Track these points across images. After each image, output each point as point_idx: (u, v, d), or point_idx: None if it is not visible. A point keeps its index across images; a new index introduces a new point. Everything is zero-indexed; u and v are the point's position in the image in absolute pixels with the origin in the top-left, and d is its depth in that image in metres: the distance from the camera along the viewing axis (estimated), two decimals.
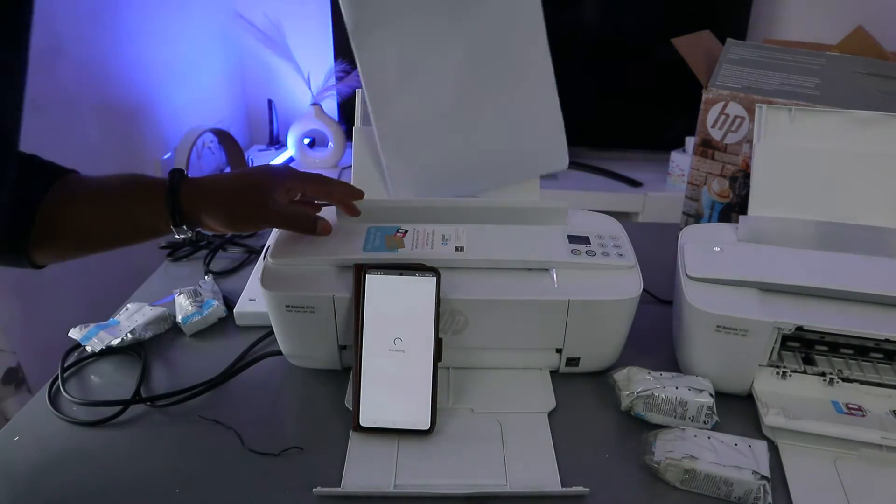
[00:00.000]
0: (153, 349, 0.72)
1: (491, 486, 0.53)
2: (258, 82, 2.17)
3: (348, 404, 0.61)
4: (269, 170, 0.63)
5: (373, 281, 0.60)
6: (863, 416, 0.58)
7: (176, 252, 0.92)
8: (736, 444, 0.54)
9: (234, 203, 0.59)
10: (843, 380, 0.61)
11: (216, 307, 0.76)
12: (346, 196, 0.67)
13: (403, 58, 0.67)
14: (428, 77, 0.68)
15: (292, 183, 0.63)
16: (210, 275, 0.86)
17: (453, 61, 0.68)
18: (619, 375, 0.62)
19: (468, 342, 0.63)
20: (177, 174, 0.59)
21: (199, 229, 0.61)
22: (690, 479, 0.53)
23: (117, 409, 0.61)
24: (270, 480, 0.54)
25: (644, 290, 0.62)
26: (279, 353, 0.67)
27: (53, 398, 0.64)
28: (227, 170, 1.87)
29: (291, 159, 2.08)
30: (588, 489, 0.52)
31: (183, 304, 0.76)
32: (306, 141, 2.11)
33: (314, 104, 2.02)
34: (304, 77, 2.02)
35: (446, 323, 0.62)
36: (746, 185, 0.75)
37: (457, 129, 0.70)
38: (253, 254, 0.92)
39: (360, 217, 0.67)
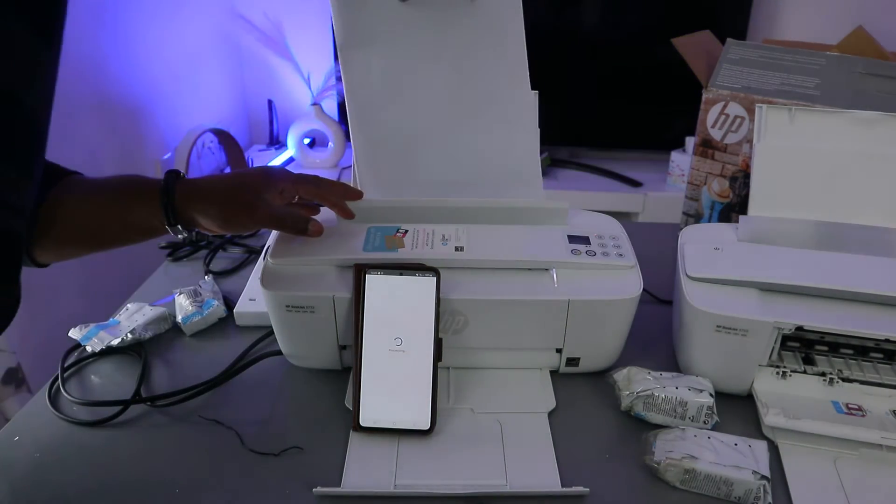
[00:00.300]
0: (153, 349, 0.72)
1: (491, 486, 0.53)
2: (258, 82, 2.17)
3: (348, 404, 0.61)
4: (262, 171, 0.63)
5: (373, 281, 0.60)
6: (863, 416, 0.58)
7: (176, 252, 0.92)
8: (736, 444, 0.54)
9: (225, 203, 0.60)
10: (843, 380, 0.61)
11: (216, 307, 0.76)
12: (339, 197, 0.67)
13: (387, 79, 0.69)
14: (409, 100, 0.70)
15: (285, 184, 0.63)
16: (210, 275, 0.86)
17: (435, 87, 0.69)
18: (619, 375, 0.62)
19: (468, 342, 0.63)
20: (172, 174, 0.59)
21: (197, 230, 0.61)
22: (690, 479, 0.53)
23: (117, 409, 0.61)
24: (270, 480, 0.54)
25: (644, 290, 0.62)
26: (279, 353, 0.67)
27: (53, 398, 0.64)
28: (227, 170, 1.87)
29: (291, 159, 2.08)
30: (588, 489, 0.52)
31: (183, 304, 0.76)
32: (306, 141, 2.11)
33: (314, 104, 2.02)
34: (304, 77, 2.02)
35: (446, 323, 0.62)
36: (746, 185, 0.75)
37: (431, 152, 0.71)
38: (253, 254, 0.92)
39: (361, 217, 0.67)
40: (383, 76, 0.69)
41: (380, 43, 0.68)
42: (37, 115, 0.40)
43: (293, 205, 0.66)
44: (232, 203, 0.60)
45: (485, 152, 0.71)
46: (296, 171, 0.66)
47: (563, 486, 0.53)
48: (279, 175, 0.63)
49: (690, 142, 1.73)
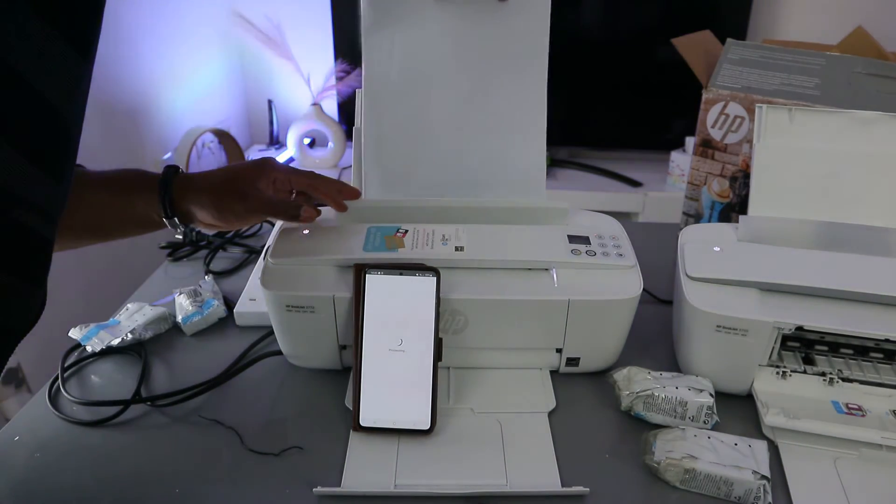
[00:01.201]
0: (153, 349, 0.72)
1: (491, 486, 0.53)
2: (258, 82, 2.17)
3: (348, 404, 0.61)
4: (256, 162, 0.65)
5: (373, 281, 0.60)
6: (863, 416, 0.58)
7: (176, 252, 0.92)
8: (736, 444, 0.54)
9: (218, 192, 0.61)
10: (843, 380, 0.61)
11: (216, 307, 0.76)
12: (334, 192, 0.67)
13: (408, 66, 0.69)
14: (425, 92, 0.70)
15: (278, 174, 0.64)
16: (210, 275, 0.86)
17: (453, 82, 0.69)
18: (619, 375, 0.62)
19: (468, 342, 0.63)
20: (171, 168, 0.61)
21: (194, 228, 0.62)
22: (690, 478, 0.53)
23: (117, 409, 0.61)
24: (270, 480, 0.54)
25: (644, 290, 0.62)
26: (279, 353, 0.67)
27: (53, 398, 0.64)
28: None
29: (291, 159, 2.08)
30: (588, 489, 0.52)
31: (183, 304, 0.76)
32: (306, 141, 2.11)
33: (314, 104, 2.02)
34: (304, 77, 2.02)
35: (446, 323, 0.62)
36: (746, 185, 0.75)
37: (441, 146, 0.71)
38: (253, 254, 0.92)
39: (361, 217, 0.67)
40: (403, 64, 0.69)
41: (405, 30, 0.68)
42: (73, 127, 0.42)
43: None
44: (225, 192, 0.61)
45: (493, 153, 0.71)
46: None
47: (563, 486, 0.53)
48: (273, 165, 0.64)
49: (690, 142, 1.73)
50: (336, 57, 2.02)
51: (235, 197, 0.61)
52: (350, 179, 0.72)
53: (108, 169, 0.62)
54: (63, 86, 0.39)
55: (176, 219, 0.61)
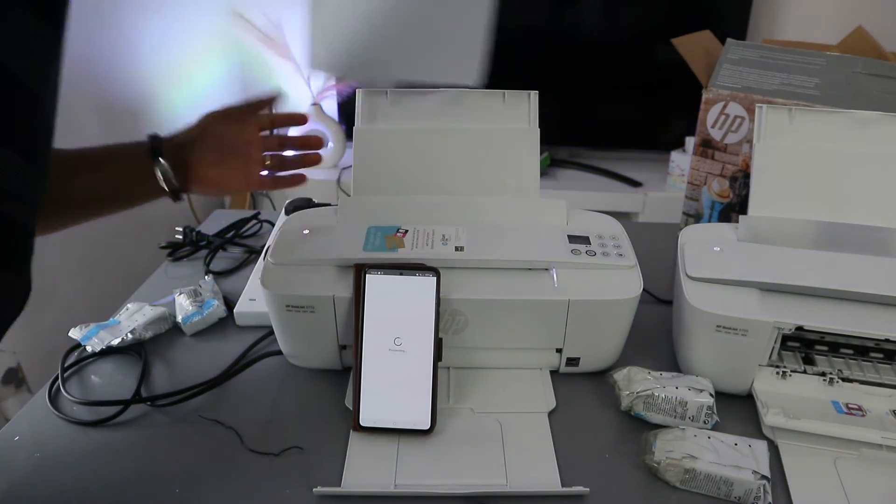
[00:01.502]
0: (153, 349, 0.72)
1: (491, 486, 0.53)
2: (258, 82, 2.16)
3: (348, 404, 0.61)
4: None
5: (373, 281, 0.60)
6: (863, 416, 0.58)
7: (176, 252, 0.92)
8: (736, 444, 0.54)
9: (207, 119, 0.67)
10: (843, 380, 0.61)
11: (216, 307, 0.76)
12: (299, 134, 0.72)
13: None
14: None
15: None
16: (210, 275, 0.86)
17: None
18: (619, 375, 0.62)
19: (468, 342, 0.63)
20: (156, 135, 0.64)
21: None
22: (690, 478, 0.53)
23: (117, 408, 0.61)
24: (270, 480, 0.54)
25: (644, 290, 0.62)
26: (279, 353, 0.67)
27: (53, 398, 0.64)
28: None
29: None
30: (588, 489, 0.52)
31: (183, 304, 0.76)
32: None
33: (314, 104, 2.02)
34: (305, 77, 2.02)
35: (446, 323, 0.62)
36: (746, 185, 0.75)
37: (383, 13, 0.69)
38: (253, 254, 0.92)
39: (361, 217, 0.68)
40: None
41: None
42: (49, 108, 0.41)
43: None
44: (213, 117, 0.67)
45: (434, 25, 0.68)
46: None
47: (563, 485, 0.53)
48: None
49: (690, 142, 1.73)
50: None
51: (223, 114, 0.67)
52: (350, 179, 0.72)
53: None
54: (41, 71, 0.39)
55: (167, 165, 0.62)
